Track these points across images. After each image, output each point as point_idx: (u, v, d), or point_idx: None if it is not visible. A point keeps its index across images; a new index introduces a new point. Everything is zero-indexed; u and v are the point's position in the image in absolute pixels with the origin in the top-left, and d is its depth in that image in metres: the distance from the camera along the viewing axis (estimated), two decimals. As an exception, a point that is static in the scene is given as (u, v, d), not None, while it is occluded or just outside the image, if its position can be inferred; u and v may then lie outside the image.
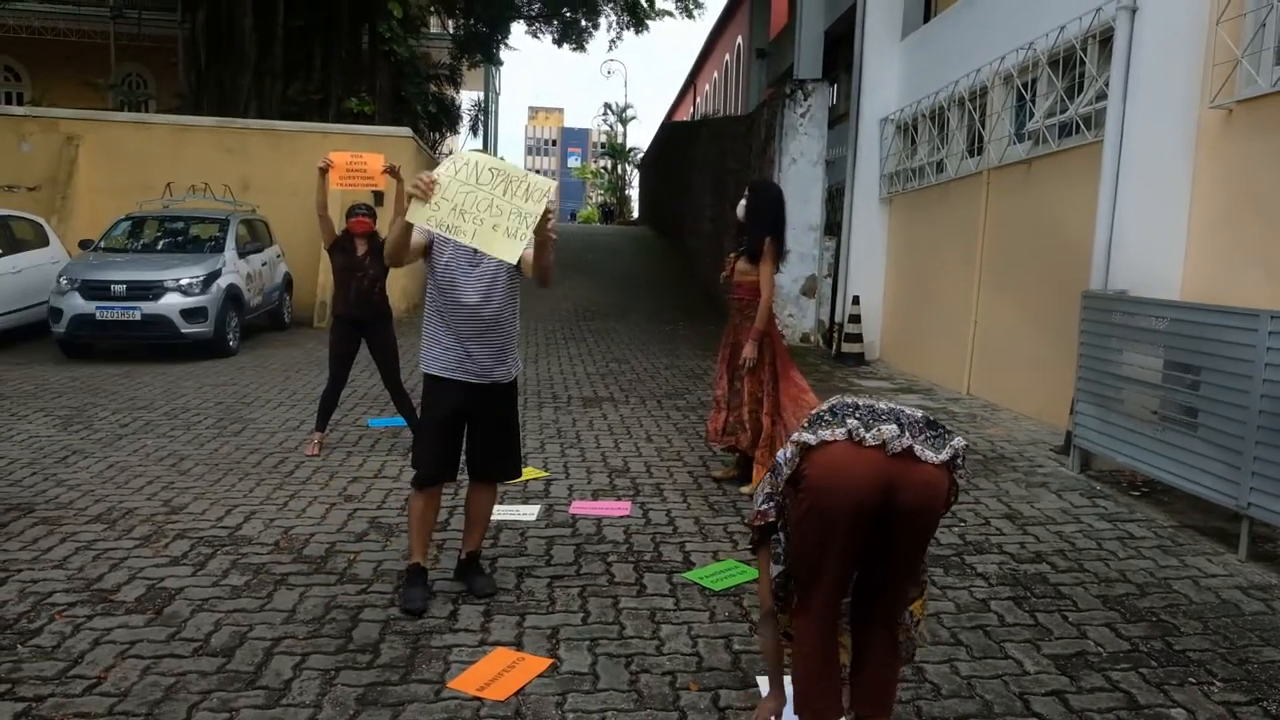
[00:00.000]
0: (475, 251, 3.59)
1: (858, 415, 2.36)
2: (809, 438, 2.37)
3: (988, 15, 8.31)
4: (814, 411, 2.46)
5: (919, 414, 2.41)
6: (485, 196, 3.49)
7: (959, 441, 2.37)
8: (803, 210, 11.14)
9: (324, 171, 5.92)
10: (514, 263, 3.58)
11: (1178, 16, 5.75)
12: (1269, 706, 3.00)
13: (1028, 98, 7.52)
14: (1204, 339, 4.63)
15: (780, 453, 2.49)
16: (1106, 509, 5.09)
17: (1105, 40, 6.32)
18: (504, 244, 3.48)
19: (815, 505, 2.34)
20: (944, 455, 2.32)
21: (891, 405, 2.42)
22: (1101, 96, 6.29)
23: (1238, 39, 5.46)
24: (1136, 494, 5.35)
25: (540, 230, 3.49)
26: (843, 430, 2.32)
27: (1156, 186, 5.85)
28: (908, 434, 2.31)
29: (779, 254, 5.26)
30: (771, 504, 2.53)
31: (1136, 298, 5.44)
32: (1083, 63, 6.66)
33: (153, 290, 9.64)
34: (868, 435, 2.30)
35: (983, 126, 8.29)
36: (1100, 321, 5.52)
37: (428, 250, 3.69)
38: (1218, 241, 5.66)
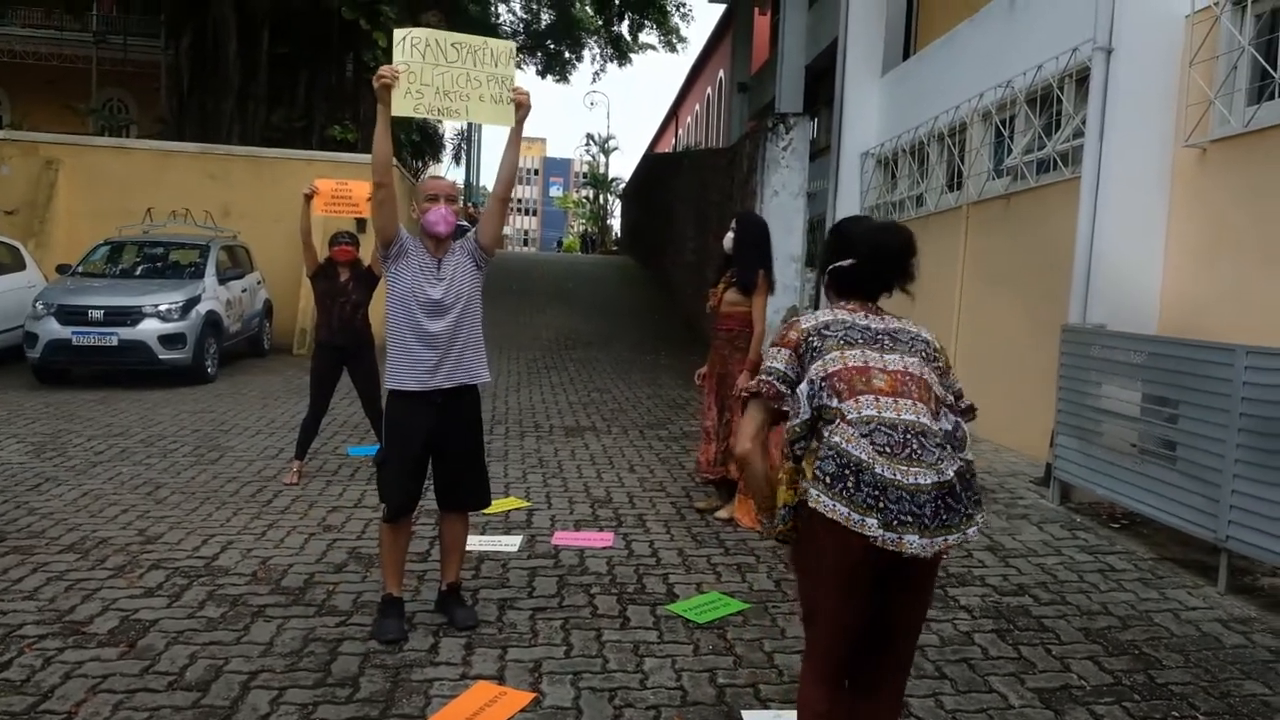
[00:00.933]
0: (440, 263, 3.64)
1: (883, 506, 2.11)
2: (825, 503, 2.14)
3: (966, 53, 8.47)
4: (839, 452, 2.16)
5: (955, 468, 2.18)
6: (460, 71, 3.56)
7: (974, 531, 2.22)
8: (784, 241, 11.20)
9: (309, 198, 5.93)
10: (513, 125, 3.70)
11: (1152, 58, 5.88)
12: (1252, 741, 3.01)
13: (1006, 134, 7.64)
14: (1181, 372, 4.68)
15: (803, 390, 2.26)
16: (1087, 541, 5.11)
17: (1082, 79, 6.44)
18: (495, 111, 3.62)
19: (818, 558, 2.23)
20: (953, 539, 2.17)
21: (925, 477, 2.14)
22: (1078, 134, 6.40)
23: (1210, 80, 5.59)
24: (1116, 526, 5.38)
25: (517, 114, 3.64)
26: (858, 521, 2.11)
27: (1133, 223, 5.95)
28: (927, 534, 2.12)
29: (771, 285, 5.32)
30: (775, 378, 2.30)
31: (1115, 332, 5.50)
32: (1060, 101, 6.79)
33: (130, 316, 9.56)
34: (886, 538, 2.11)
35: (962, 162, 8.41)
36: (1079, 355, 5.57)
37: (388, 247, 3.62)
38: (1194, 277, 5.75)
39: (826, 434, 2.20)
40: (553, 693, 3.23)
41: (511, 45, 3.68)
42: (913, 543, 2.11)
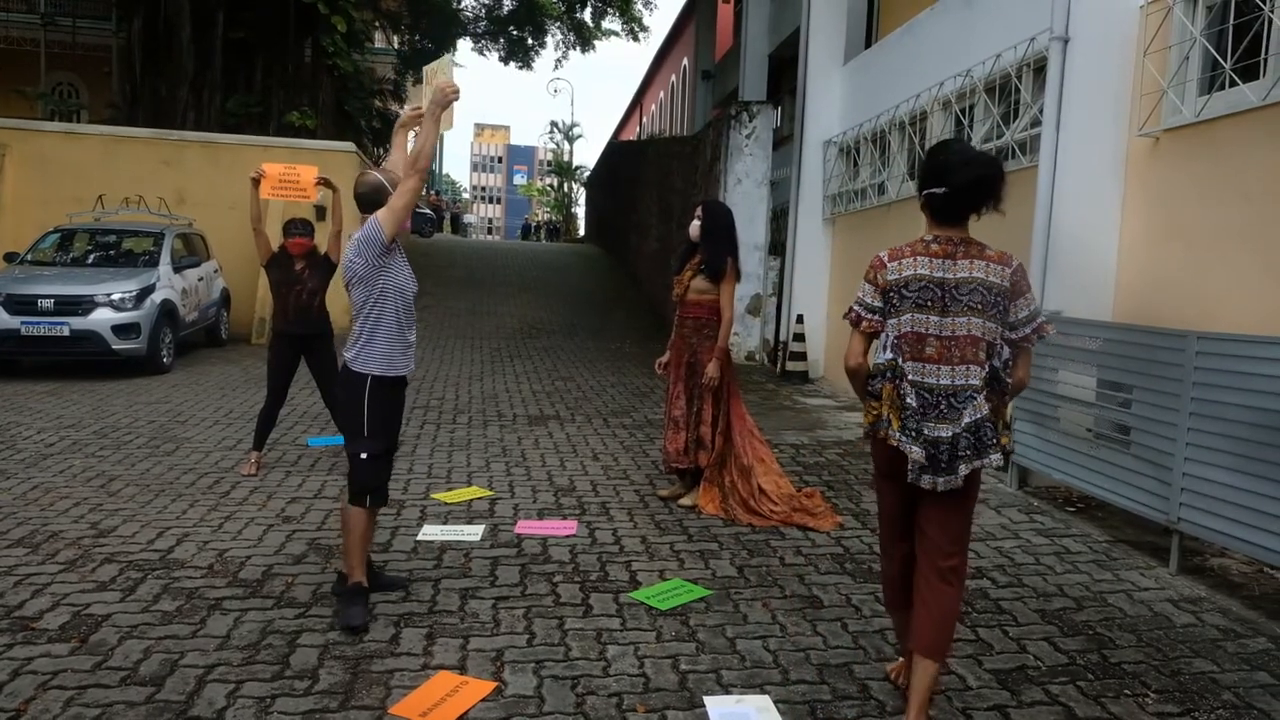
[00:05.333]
0: (400, 252, 3.83)
1: (921, 443, 2.79)
2: (895, 436, 2.83)
3: (926, 42, 8.52)
4: (901, 397, 2.82)
5: (975, 418, 2.78)
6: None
7: (963, 469, 2.80)
8: (748, 230, 11.24)
9: (256, 182, 5.82)
10: (450, 126, 3.95)
11: (1108, 47, 5.95)
12: (1200, 718, 3.08)
13: (965, 123, 7.71)
14: (1135, 358, 4.77)
15: (884, 339, 2.89)
16: (1044, 525, 5.20)
17: (1039, 69, 6.51)
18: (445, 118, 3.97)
19: (878, 458, 3.02)
20: (963, 470, 2.80)
21: (945, 430, 2.78)
22: (1036, 123, 6.48)
23: (1164, 70, 5.67)
24: (1072, 510, 5.48)
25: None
26: (907, 445, 2.81)
27: (1089, 211, 6.03)
28: (941, 475, 2.80)
29: (737, 273, 5.33)
30: (874, 315, 2.89)
31: (1071, 318, 5.58)
32: (1018, 90, 6.86)
33: (82, 305, 9.35)
34: (912, 474, 2.84)
35: (923, 150, 8.46)
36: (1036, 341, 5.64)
37: (394, 240, 3.71)
38: (1148, 264, 5.85)
39: (895, 380, 2.86)
40: (515, 682, 3.21)
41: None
42: (926, 480, 2.84)
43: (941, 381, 2.81)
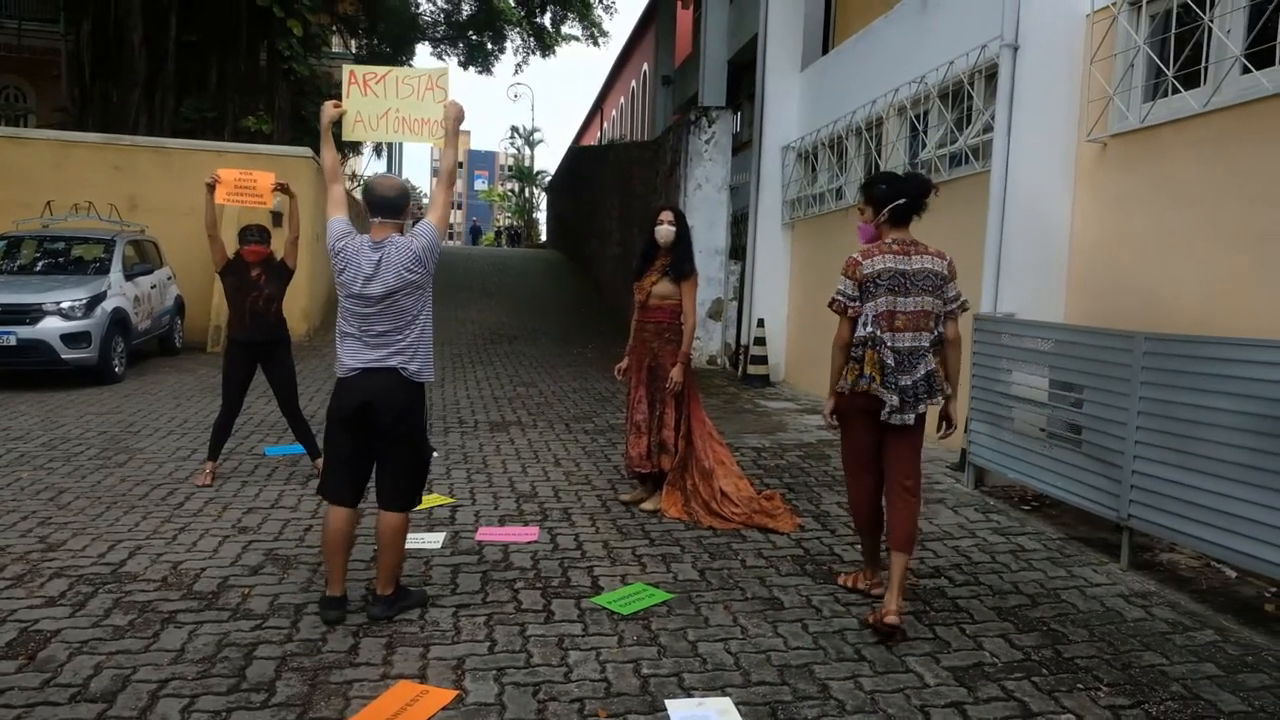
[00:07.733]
0: None
1: (895, 389, 3.68)
2: (876, 388, 3.71)
3: (882, 49, 8.64)
4: (881, 358, 3.68)
5: (927, 369, 3.73)
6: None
7: (923, 409, 3.76)
8: (708, 235, 11.32)
9: (211, 188, 5.73)
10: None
11: (1056, 55, 6.09)
12: (1150, 709, 3.15)
13: (920, 129, 7.83)
14: (1085, 359, 4.87)
15: (864, 318, 3.74)
16: (999, 523, 5.28)
17: (991, 76, 6.63)
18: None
19: (851, 408, 3.85)
20: (918, 411, 3.75)
21: (907, 379, 3.70)
22: (988, 129, 6.59)
23: (1110, 78, 5.81)
24: (1027, 508, 5.58)
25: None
26: (883, 393, 3.68)
27: (1040, 215, 6.15)
28: (898, 413, 3.71)
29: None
30: (854, 301, 3.75)
31: (1023, 320, 5.68)
32: (970, 96, 6.98)
33: (30, 314, 9.13)
34: (888, 413, 3.72)
35: (879, 155, 8.58)
36: (991, 343, 5.74)
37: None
38: (1097, 266, 5.98)
39: (876, 347, 3.71)
40: (476, 689, 3.20)
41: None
42: (895, 418, 3.73)
43: (908, 345, 3.73)
